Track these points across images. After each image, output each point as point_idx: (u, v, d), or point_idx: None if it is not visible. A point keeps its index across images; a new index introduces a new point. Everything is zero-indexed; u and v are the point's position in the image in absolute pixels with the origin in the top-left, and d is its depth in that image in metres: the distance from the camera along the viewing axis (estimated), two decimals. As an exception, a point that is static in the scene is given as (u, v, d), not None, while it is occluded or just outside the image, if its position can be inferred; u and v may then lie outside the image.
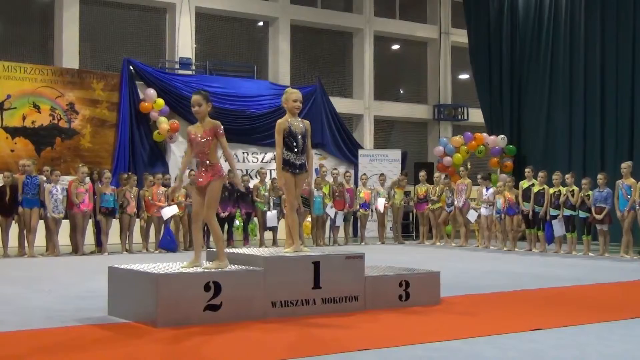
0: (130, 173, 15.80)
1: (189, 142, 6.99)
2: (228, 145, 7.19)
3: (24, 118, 17.34)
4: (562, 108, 19.31)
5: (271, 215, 16.03)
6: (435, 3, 24.94)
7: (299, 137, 7.27)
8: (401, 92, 25.76)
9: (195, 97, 6.92)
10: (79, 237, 14.18)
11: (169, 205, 15.08)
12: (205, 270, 6.52)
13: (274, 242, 16.16)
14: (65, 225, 14.33)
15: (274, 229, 16.29)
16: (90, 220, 14.52)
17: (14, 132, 17.26)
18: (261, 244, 16.06)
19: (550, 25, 19.82)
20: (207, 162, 6.93)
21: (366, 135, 23.21)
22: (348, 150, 21.30)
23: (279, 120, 7.30)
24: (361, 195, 17.70)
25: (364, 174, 18.51)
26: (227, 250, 7.17)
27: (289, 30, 22.01)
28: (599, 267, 11.99)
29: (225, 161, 7.54)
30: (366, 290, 7.05)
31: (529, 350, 5.19)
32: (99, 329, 6.09)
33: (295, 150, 7.25)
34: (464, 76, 25.78)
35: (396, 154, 20.74)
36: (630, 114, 17.69)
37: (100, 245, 14.57)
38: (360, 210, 17.71)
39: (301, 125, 7.33)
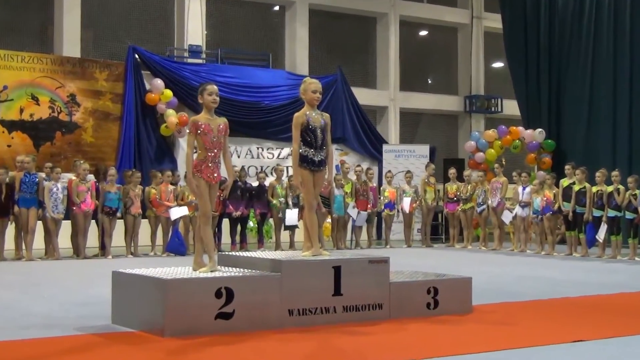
0: (134, 170, 15.83)
1: (198, 134, 6.90)
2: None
3: (21, 111, 17.46)
4: (606, 99, 19.16)
5: (291, 213, 15.99)
6: (467, -15, 24.89)
7: (318, 131, 7.26)
8: (429, 82, 25.69)
9: (215, 87, 7.01)
10: (80, 239, 14.25)
11: (178, 205, 15.12)
12: (215, 274, 6.53)
13: (291, 245, 16.17)
14: (66, 226, 14.41)
15: (293, 229, 16.28)
16: (93, 221, 14.59)
17: (10, 126, 17.38)
18: (277, 246, 16.07)
19: (593, 8, 19.65)
20: (218, 159, 6.96)
21: (391, 129, 23.18)
22: (371, 146, 21.28)
23: (297, 114, 7.29)
24: (386, 194, 17.65)
25: (389, 171, 18.45)
26: (240, 253, 7.19)
27: (307, 15, 22.00)
28: (647, 273, 11.92)
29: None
30: (391, 297, 7.04)
31: (569, 364, 5.17)
32: (102, 338, 6.12)
33: (314, 145, 7.23)
34: (497, 64, 25.66)
35: (424, 149, 20.69)
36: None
37: (103, 248, 14.65)
38: (385, 210, 17.66)
39: (320, 119, 7.32)
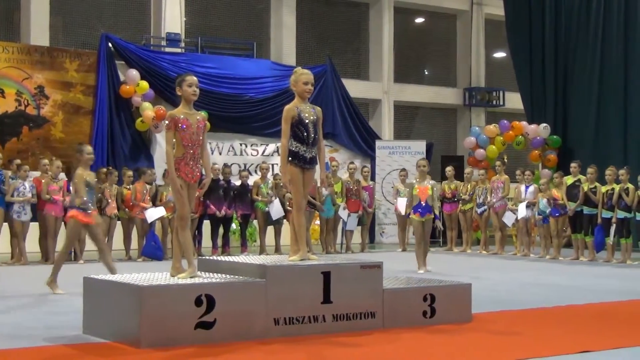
0: (110, 167, 15.84)
1: (176, 130, 6.88)
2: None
3: (-15, 104, 17.41)
4: (616, 92, 19.20)
5: (276, 205, 15.85)
6: (466, -32, 24.92)
7: (310, 126, 7.29)
8: (426, 73, 25.72)
9: (195, 77, 7.01)
10: (49, 243, 14.20)
11: (155, 206, 15.10)
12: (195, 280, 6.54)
13: (277, 249, 16.16)
14: (34, 228, 14.37)
15: (279, 223, 16.20)
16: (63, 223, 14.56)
17: (-27, 120, 17.33)
18: (262, 250, 16.07)
19: (602, -6, 19.73)
20: (197, 156, 6.95)
21: (385, 123, 23.19)
22: (363, 142, 21.29)
23: (287, 106, 7.31)
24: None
25: (404, 169, 17.19)
26: (222, 258, 7.19)
27: (294, 1, 21.99)
28: (659, 278, 11.97)
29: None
30: (384, 305, 7.06)
31: (575, 376, 5.20)
32: (73, 349, 6.12)
33: (306, 141, 7.26)
34: (499, 54, 25.71)
35: (420, 145, 20.70)
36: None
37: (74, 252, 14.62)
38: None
39: (312, 112, 7.34)
